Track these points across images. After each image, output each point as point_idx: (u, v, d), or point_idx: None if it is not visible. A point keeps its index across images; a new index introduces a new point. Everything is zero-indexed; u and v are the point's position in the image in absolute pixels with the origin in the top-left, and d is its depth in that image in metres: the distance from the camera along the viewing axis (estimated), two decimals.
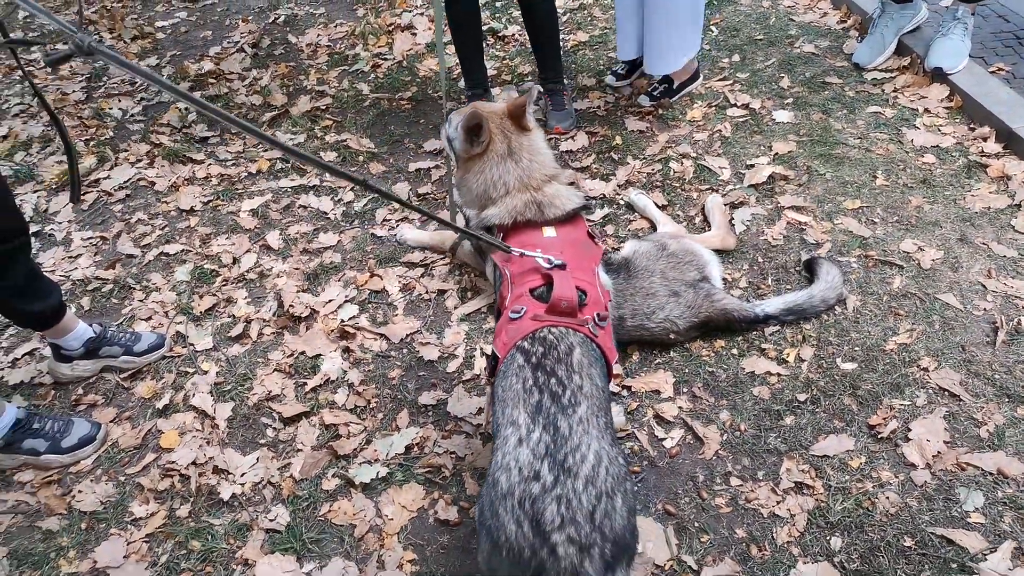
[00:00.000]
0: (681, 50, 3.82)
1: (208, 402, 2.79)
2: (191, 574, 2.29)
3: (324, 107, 4.52)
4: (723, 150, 3.63)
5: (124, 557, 2.35)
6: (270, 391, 2.81)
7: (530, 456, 1.56)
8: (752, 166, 3.48)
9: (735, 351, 2.71)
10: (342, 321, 3.06)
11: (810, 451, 2.36)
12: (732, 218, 3.22)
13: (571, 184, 2.48)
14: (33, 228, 3.72)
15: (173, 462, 2.59)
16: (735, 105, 3.90)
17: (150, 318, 3.19)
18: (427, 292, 3.18)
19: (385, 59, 4.93)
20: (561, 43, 4.70)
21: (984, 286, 2.75)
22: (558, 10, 5.01)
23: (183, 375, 2.93)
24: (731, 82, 4.09)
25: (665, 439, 2.48)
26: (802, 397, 2.51)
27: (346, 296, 3.18)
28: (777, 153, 3.53)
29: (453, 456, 2.52)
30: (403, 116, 4.33)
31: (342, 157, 4.07)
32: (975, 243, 2.92)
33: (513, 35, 4.96)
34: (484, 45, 4.70)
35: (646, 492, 2.34)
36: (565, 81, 4.14)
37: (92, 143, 4.41)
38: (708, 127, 3.80)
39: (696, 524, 2.24)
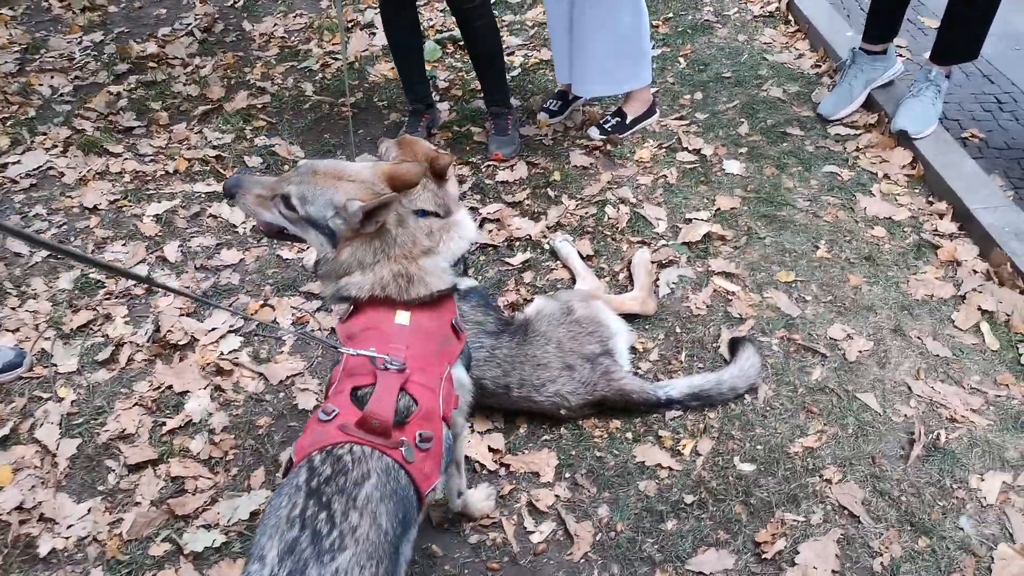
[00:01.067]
0: (616, 76, 3.57)
1: (54, 435, 2.55)
2: None
3: (261, 105, 4.26)
4: (664, 198, 3.38)
5: None
6: (123, 429, 2.57)
7: None
8: (690, 221, 3.23)
9: (630, 435, 2.47)
10: (221, 354, 2.82)
11: (686, 565, 2.12)
12: (657, 279, 2.98)
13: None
14: None
15: None
16: (687, 149, 3.64)
17: (18, 330, 2.95)
18: (320, 329, 2.93)
19: (336, 58, 4.66)
20: (522, 60, 4.46)
21: (910, 388, 2.52)
22: (515, 25, 4.78)
23: (36, 400, 2.69)
24: (688, 122, 3.84)
25: (534, 532, 2.24)
26: (689, 499, 2.28)
27: (231, 326, 2.93)
28: (719, 208, 3.28)
29: None
30: (342, 124, 4.07)
31: (267, 164, 3.81)
32: (910, 336, 2.68)
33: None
34: (443, 54, 4.46)
35: None
36: (513, 103, 3.88)
37: (9, 122, 4.15)
38: (654, 170, 3.55)
39: None
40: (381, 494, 1.47)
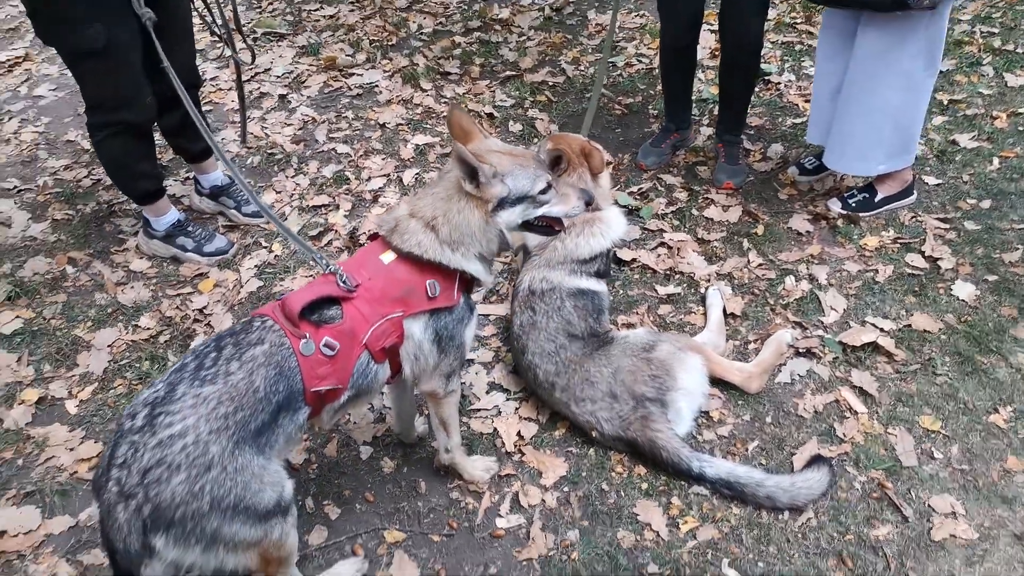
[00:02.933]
0: (871, 157, 3.22)
1: (250, 273, 3.31)
2: None
3: (553, 84, 4.67)
4: (857, 292, 3.03)
5: None
6: (291, 288, 3.22)
7: (143, 398, 1.71)
8: (865, 324, 2.87)
9: (645, 485, 2.41)
10: None
11: None
12: (784, 364, 2.75)
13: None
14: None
15: None
16: (923, 253, 3.17)
17: (280, 192, 3.79)
18: None
19: (642, 61, 4.86)
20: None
21: None
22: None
23: (257, 244, 3.49)
24: (949, 227, 3.31)
25: (502, 518, 2.36)
26: (653, 569, 2.18)
27: None
28: (910, 326, 2.85)
29: None
30: (608, 120, 4.30)
31: (522, 131, 4.22)
32: None
33: (781, 84, 4.50)
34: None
35: (446, 552, 2.28)
36: (743, 138, 3.77)
37: (375, 43, 5.15)
38: (870, 262, 3.18)
39: None
40: (266, 360, 1.78)
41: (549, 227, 2.19)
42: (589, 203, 2.25)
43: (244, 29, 5.20)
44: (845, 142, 3.27)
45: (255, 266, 3.35)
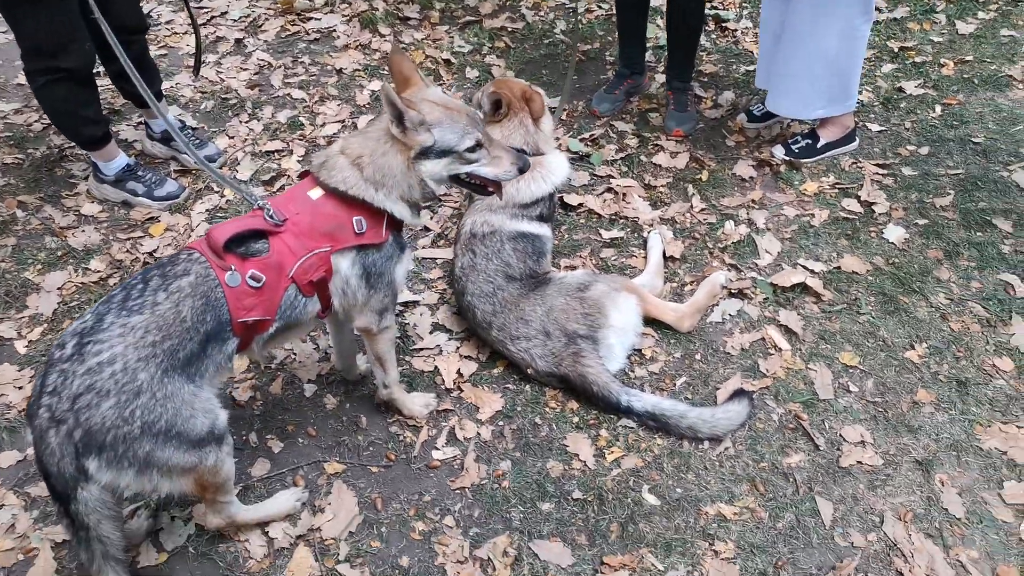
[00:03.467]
0: (809, 100, 3.29)
1: (201, 217, 3.34)
2: None
3: (512, 29, 4.66)
4: (792, 236, 3.13)
5: None
6: None
7: (72, 329, 1.78)
8: (796, 266, 2.98)
9: (576, 419, 2.52)
10: None
11: (530, 542, 2.20)
12: (715, 304, 2.85)
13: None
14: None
15: None
16: (858, 198, 3.27)
17: (232, 137, 3.80)
18: None
19: (602, 7, 4.84)
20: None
21: (881, 522, 2.18)
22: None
23: (209, 190, 3.51)
24: (887, 172, 3.40)
25: (438, 450, 2.46)
26: (577, 495, 2.30)
27: None
28: (839, 268, 2.96)
29: None
30: (564, 66, 4.31)
31: (479, 78, 4.22)
32: (932, 477, 2.28)
33: (738, 31, 4.52)
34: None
35: (384, 482, 2.39)
36: (694, 85, 3.83)
37: None
38: (808, 207, 3.27)
39: (381, 528, 2.26)
40: (192, 291, 1.84)
41: (482, 186, 2.22)
42: (523, 170, 2.23)
43: None
44: (786, 86, 3.33)
45: (206, 210, 3.37)
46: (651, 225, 3.23)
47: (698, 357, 2.70)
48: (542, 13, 4.83)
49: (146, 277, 1.86)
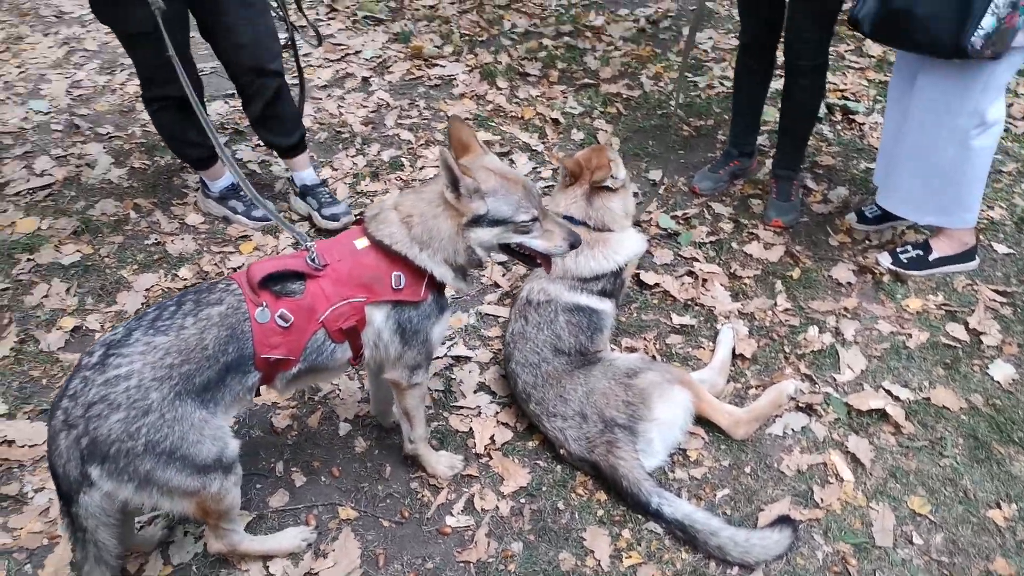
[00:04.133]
0: (920, 205, 3.04)
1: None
2: None
3: (627, 97, 4.63)
4: (882, 355, 2.86)
5: None
6: None
7: (104, 338, 1.85)
8: (879, 390, 2.71)
9: (601, 512, 2.37)
10: None
11: None
12: (778, 416, 2.63)
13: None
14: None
15: None
16: (968, 326, 2.95)
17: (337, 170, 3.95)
18: None
19: (724, 84, 4.73)
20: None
21: None
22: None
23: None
24: (1006, 301, 3.06)
25: (453, 516, 2.38)
26: None
27: None
28: (929, 400, 2.66)
29: None
30: (673, 140, 4.23)
31: (583, 141, 4.20)
32: None
33: (866, 125, 4.28)
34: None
35: (392, 538, 2.34)
36: (800, 171, 3.63)
37: (466, 38, 5.26)
38: (906, 325, 2.99)
39: None
40: (220, 322, 1.87)
41: (531, 258, 2.17)
42: (574, 246, 2.15)
43: (346, 10, 5.46)
44: (898, 183, 3.10)
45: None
46: (726, 317, 3.05)
47: (747, 470, 2.49)
48: (662, 83, 4.77)
49: (181, 300, 1.92)
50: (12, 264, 3.29)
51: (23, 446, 2.55)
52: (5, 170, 3.90)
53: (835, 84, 4.65)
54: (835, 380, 2.78)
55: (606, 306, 2.77)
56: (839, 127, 4.31)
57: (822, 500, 2.37)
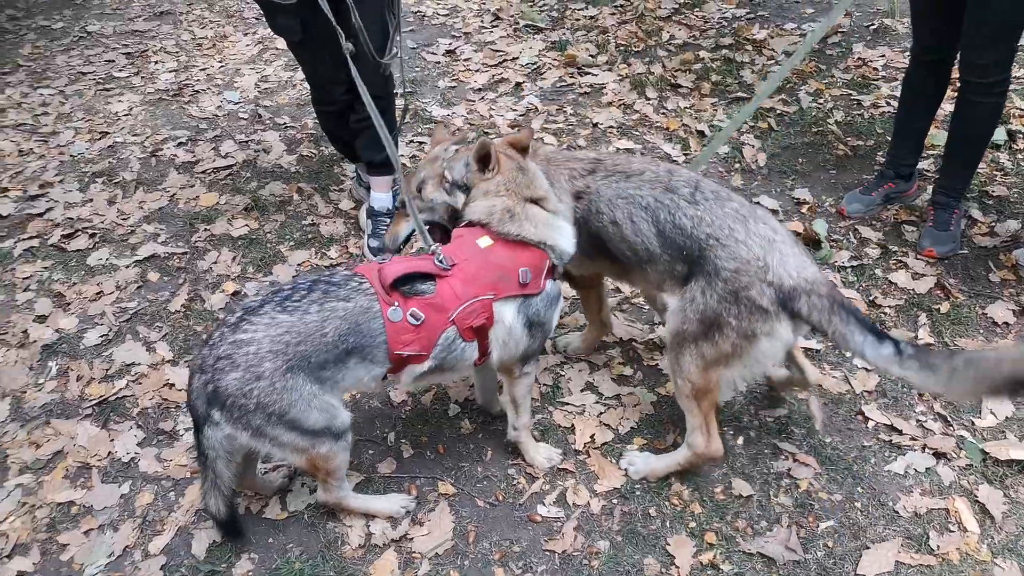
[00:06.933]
0: None
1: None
2: None
3: (781, 113, 4.48)
4: None
5: None
6: None
7: (245, 303, 2.07)
8: (1023, 439, 2.46)
9: (694, 524, 2.33)
10: None
11: None
12: (884, 450, 2.46)
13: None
14: None
15: None
16: None
17: None
18: None
19: (891, 105, 4.44)
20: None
21: None
22: None
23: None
24: None
25: (544, 506, 2.43)
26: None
27: None
28: None
29: None
30: (826, 158, 4.04)
31: (727, 155, 4.12)
32: None
33: None
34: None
35: (484, 518, 2.43)
36: (964, 200, 3.36)
37: (615, 48, 5.30)
38: None
39: (464, 561, 2.30)
40: (345, 315, 2.02)
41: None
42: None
43: (509, 19, 5.67)
44: None
45: None
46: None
47: (858, 504, 2.35)
48: (821, 100, 4.57)
49: (313, 286, 2.08)
50: (192, 232, 3.73)
51: (181, 390, 2.90)
52: (197, 150, 4.43)
53: (1021, 109, 4.24)
54: (973, 424, 2.55)
55: None
56: (1020, 156, 3.92)
57: (938, 547, 2.20)
